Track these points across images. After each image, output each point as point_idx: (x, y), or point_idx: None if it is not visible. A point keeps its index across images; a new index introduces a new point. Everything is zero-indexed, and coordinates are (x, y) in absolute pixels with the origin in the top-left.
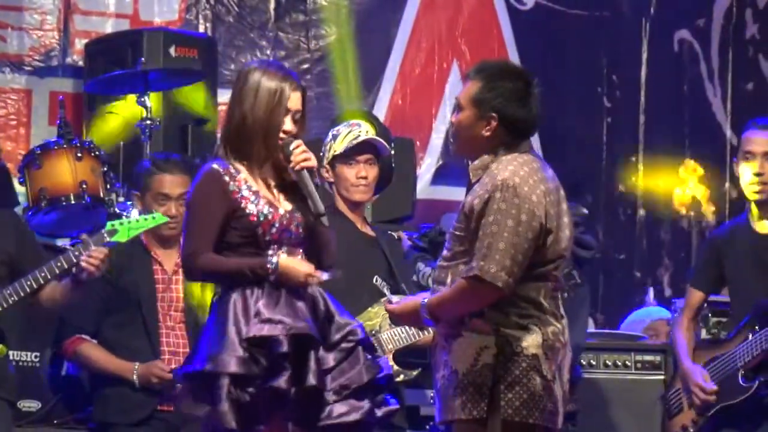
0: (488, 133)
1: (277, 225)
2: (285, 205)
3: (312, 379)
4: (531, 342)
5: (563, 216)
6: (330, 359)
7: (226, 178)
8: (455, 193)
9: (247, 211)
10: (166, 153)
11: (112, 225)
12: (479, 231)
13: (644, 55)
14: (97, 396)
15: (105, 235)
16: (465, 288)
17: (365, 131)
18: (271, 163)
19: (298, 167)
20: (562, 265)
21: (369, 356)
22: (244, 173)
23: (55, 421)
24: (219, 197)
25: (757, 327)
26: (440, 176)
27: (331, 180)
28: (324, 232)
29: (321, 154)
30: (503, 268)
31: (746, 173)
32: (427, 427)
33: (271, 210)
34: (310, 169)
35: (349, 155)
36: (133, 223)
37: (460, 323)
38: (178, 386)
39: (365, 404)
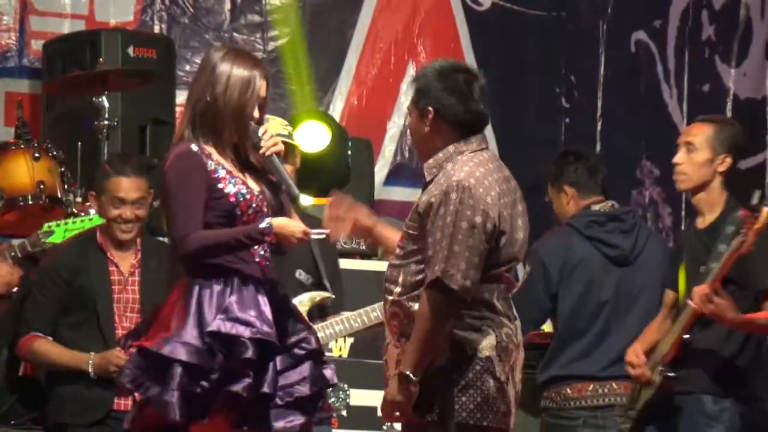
0: (428, 128)
1: (254, 205)
2: (254, 186)
3: (266, 388)
4: (485, 344)
5: (518, 218)
6: (278, 362)
7: (203, 159)
8: (408, 194)
9: (226, 191)
10: (125, 154)
11: (49, 226)
12: (434, 232)
13: (602, 56)
14: (52, 396)
15: (41, 236)
16: (429, 297)
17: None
18: (233, 147)
19: (269, 152)
20: (514, 266)
21: (318, 368)
22: (215, 154)
23: (12, 422)
24: (200, 176)
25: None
26: (393, 177)
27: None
28: (290, 213)
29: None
30: (458, 271)
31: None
32: (384, 427)
33: (247, 190)
34: (278, 153)
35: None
36: (69, 224)
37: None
38: (130, 357)
39: (303, 418)
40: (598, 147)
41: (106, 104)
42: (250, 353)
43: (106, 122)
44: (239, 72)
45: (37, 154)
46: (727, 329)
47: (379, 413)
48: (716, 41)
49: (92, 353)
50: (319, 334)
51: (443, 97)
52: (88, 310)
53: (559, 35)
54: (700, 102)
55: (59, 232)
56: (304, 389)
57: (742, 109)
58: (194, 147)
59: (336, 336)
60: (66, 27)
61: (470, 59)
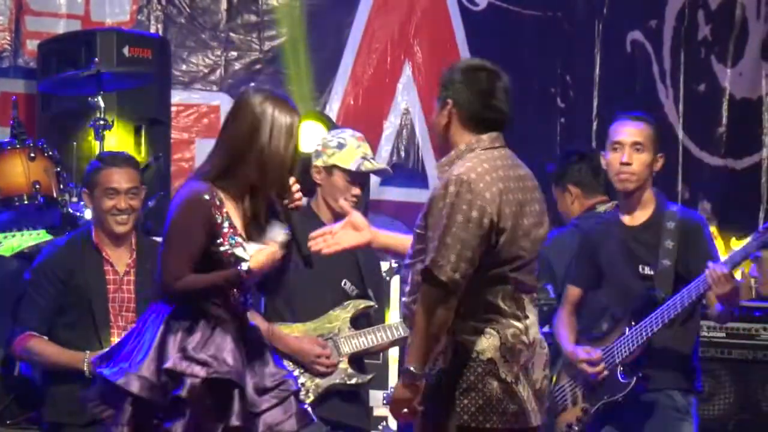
0: (445, 120)
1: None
2: (250, 249)
3: (235, 420)
4: (486, 346)
5: (525, 217)
6: (263, 403)
7: (213, 210)
8: (404, 194)
9: (221, 249)
10: (114, 151)
11: None
12: (431, 225)
13: (597, 56)
14: (47, 396)
15: None
16: (422, 290)
17: (371, 157)
18: (250, 194)
19: (293, 205)
20: (524, 266)
21: (301, 405)
22: (227, 206)
23: (8, 422)
24: (203, 226)
25: (633, 322)
26: (389, 177)
27: (320, 182)
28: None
29: (314, 152)
30: (448, 262)
31: (614, 163)
32: (380, 427)
33: (241, 254)
34: (298, 208)
35: (354, 174)
36: (17, 237)
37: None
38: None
39: None
40: (594, 147)
41: (102, 104)
42: (183, 392)
43: (101, 122)
44: (283, 119)
45: (32, 154)
46: (684, 329)
47: (375, 413)
48: (712, 41)
49: (87, 352)
50: (361, 339)
51: (462, 90)
52: (84, 309)
53: (555, 35)
54: (696, 102)
55: (7, 245)
56: (290, 426)
57: (738, 109)
58: (207, 196)
59: (378, 341)
60: (61, 27)
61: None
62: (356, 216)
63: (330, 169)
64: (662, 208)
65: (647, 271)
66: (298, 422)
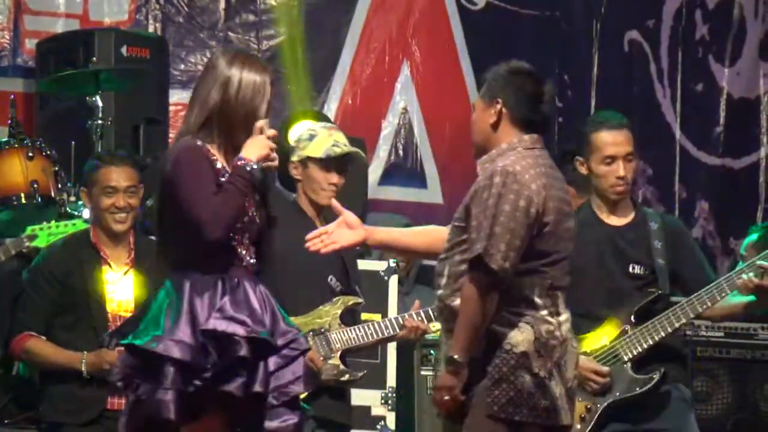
0: (493, 119)
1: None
2: None
3: (258, 387)
4: (521, 339)
5: (568, 220)
6: (270, 363)
7: (208, 153)
8: (402, 194)
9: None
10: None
11: (32, 230)
12: (477, 215)
13: (595, 56)
14: (46, 395)
15: (24, 239)
16: (471, 278)
17: (343, 143)
18: (233, 151)
19: (265, 165)
20: (559, 262)
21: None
22: (216, 154)
23: (6, 421)
24: (208, 166)
25: (633, 320)
26: (387, 177)
27: (299, 178)
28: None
29: (287, 148)
30: (498, 251)
31: (609, 177)
32: (378, 426)
33: None
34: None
35: (327, 162)
36: (53, 228)
37: (455, 319)
38: (120, 355)
39: (297, 417)
40: None
41: (100, 103)
42: (244, 351)
43: (99, 121)
44: (252, 76)
45: (30, 154)
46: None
47: (373, 413)
48: (710, 41)
49: (85, 353)
50: (352, 335)
51: (513, 91)
52: (82, 309)
53: (553, 35)
54: (694, 102)
55: (43, 236)
56: (298, 388)
57: (736, 108)
58: (198, 142)
59: (368, 338)
60: (60, 26)
61: (464, 58)
62: (348, 214)
63: (304, 162)
64: (642, 208)
65: (637, 270)
66: (305, 384)
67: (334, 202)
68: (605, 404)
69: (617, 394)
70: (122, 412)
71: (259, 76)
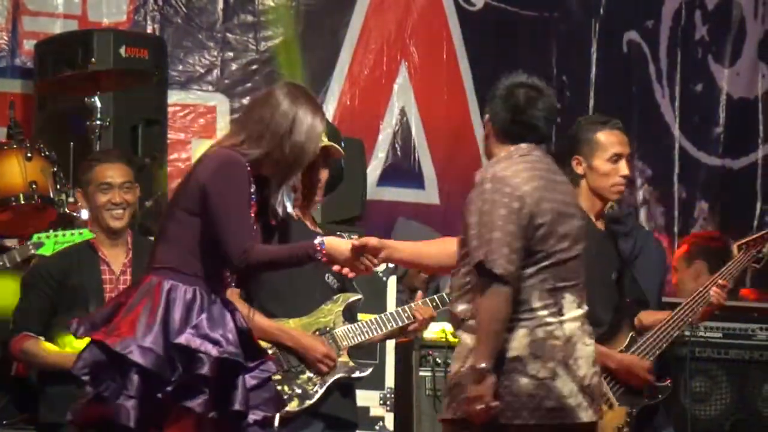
0: (486, 134)
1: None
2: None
3: (238, 405)
4: (515, 344)
5: (566, 221)
6: (248, 381)
7: (249, 177)
8: (401, 195)
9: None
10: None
11: (39, 237)
12: (473, 224)
13: (594, 57)
14: (43, 396)
15: (30, 247)
16: (480, 286)
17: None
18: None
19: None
20: (563, 262)
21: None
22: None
23: (4, 422)
24: (248, 187)
25: (633, 327)
26: (386, 178)
27: None
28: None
29: None
30: (501, 255)
31: (613, 175)
32: (377, 427)
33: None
34: None
35: None
36: (59, 237)
37: (460, 325)
38: (87, 347)
39: None
40: None
41: (98, 104)
42: (206, 370)
43: (98, 122)
44: (308, 119)
45: (29, 154)
46: None
47: (372, 413)
48: (709, 41)
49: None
50: (357, 332)
51: (498, 104)
52: (80, 309)
53: (551, 35)
54: (693, 102)
55: (49, 244)
56: (271, 410)
57: (735, 108)
58: (244, 161)
59: (373, 333)
60: (58, 27)
61: (463, 60)
62: (369, 239)
63: None
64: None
65: (613, 276)
66: (274, 407)
67: (354, 241)
68: (638, 410)
69: (646, 400)
70: (76, 403)
71: (319, 124)
